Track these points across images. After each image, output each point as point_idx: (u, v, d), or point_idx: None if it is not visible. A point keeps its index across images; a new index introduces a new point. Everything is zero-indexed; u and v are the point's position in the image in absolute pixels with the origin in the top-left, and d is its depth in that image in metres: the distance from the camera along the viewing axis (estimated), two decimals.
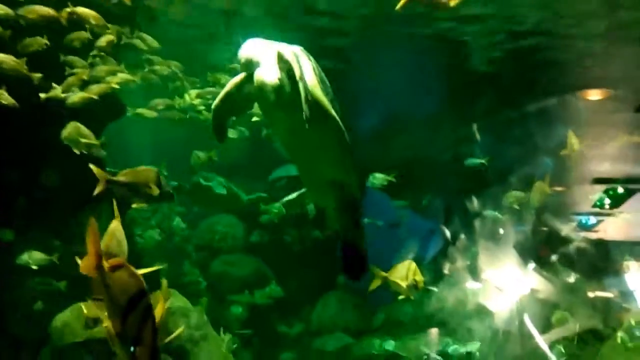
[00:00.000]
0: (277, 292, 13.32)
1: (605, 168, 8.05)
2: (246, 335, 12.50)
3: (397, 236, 12.21)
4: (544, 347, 7.82)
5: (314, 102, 3.21)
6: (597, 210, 9.19)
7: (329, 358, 11.84)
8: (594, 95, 7.60)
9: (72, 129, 6.32)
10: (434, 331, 10.17)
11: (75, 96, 6.74)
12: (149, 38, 8.21)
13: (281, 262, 14.57)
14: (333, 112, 3.34)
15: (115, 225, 2.92)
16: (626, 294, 8.18)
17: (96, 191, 3.94)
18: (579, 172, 8.54)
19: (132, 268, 2.67)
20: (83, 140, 6.36)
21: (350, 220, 3.56)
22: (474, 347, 8.79)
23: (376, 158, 10.03)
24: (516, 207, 7.94)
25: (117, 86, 7.17)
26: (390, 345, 10.13)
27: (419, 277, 5.16)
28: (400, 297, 5.44)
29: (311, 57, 3.42)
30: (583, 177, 8.63)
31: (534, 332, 8.06)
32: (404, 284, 5.13)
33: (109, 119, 9.91)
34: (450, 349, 8.98)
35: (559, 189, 9.27)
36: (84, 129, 6.41)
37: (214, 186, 14.86)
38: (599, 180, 8.42)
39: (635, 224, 9.48)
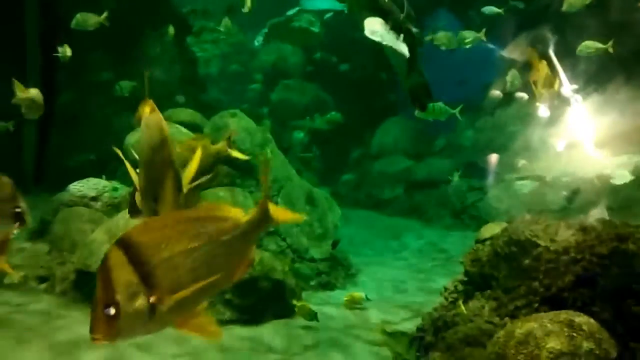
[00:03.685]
0: (338, 118, 13.48)
1: None
2: (308, 157, 13.00)
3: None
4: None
5: None
6: None
7: (390, 179, 12.22)
8: None
9: None
10: (493, 156, 10.17)
11: None
12: None
13: (342, 88, 14.55)
14: None
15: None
16: None
17: None
18: None
19: (160, 116, 2.35)
20: None
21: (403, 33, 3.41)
22: None
23: None
24: None
25: None
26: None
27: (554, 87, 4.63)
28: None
29: None
30: None
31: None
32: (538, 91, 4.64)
33: None
34: None
35: None
36: None
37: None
38: None
39: None
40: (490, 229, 5.25)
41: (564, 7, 6.25)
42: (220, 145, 4.09)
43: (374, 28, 3.29)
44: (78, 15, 6.60)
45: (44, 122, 8.52)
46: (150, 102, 2.34)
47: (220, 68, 16.20)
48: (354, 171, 13.13)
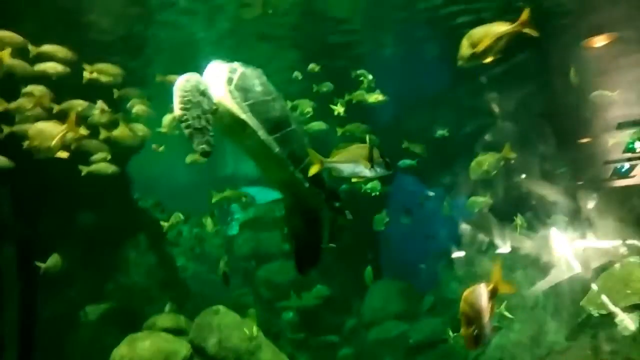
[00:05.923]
0: (324, 291, 13.38)
1: (627, 112, 7.88)
2: (300, 338, 12.63)
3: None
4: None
5: (226, 113, 3.59)
6: (629, 155, 9.00)
7: (387, 347, 11.86)
8: (600, 41, 7.45)
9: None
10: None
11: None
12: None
13: (323, 260, 14.64)
14: (245, 119, 3.59)
15: None
16: None
17: (311, 173, 3.97)
18: (603, 119, 8.38)
19: None
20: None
21: (301, 218, 3.81)
22: None
23: (395, 144, 10.06)
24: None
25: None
26: None
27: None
28: None
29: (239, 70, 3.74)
30: (608, 125, 8.47)
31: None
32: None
33: (131, 154, 10.20)
34: None
35: (585, 140, 9.14)
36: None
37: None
38: (623, 125, 8.26)
39: None
40: None
41: (472, 176, 6.88)
42: None
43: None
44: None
45: (26, 349, 8.29)
46: None
47: (197, 265, 16.39)
48: (350, 344, 12.71)
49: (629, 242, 8.15)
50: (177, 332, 7.61)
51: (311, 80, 9.31)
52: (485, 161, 7.02)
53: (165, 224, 9.20)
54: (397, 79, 10.99)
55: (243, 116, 3.56)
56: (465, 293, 3.62)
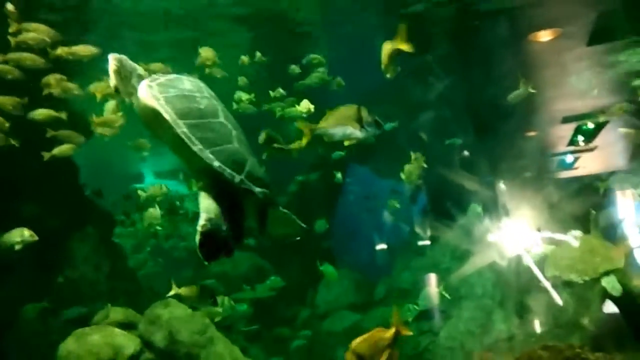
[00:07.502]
0: (278, 283, 13.32)
1: (571, 106, 8.14)
2: (254, 330, 12.57)
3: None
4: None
5: (142, 105, 3.48)
6: (573, 147, 9.31)
7: (340, 337, 11.92)
8: (545, 36, 7.68)
9: None
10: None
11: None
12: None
13: (276, 252, 14.60)
14: (155, 105, 3.54)
15: None
16: None
17: (303, 142, 3.87)
18: (548, 113, 8.62)
19: None
20: None
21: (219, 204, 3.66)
22: None
23: None
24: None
25: None
26: None
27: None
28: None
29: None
30: (552, 118, 8.72)
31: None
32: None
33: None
34: None
35: (531, 133, 9.40)
36: None
37: None
38: (567, 119, 8.53)
39: (612, 155, 9.63)
40: None
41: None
42: None
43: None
44: None
45: None
46: None
47: (151, 251, 16.05)
48: (303, 335, 12.74)
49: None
50: (127, 326, 7.43)
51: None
52: (412, 171, 8.62)
53: (143, 193, 9.02)
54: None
55: (153, 102, 3.46)
56: (355, 342, 3.15)
